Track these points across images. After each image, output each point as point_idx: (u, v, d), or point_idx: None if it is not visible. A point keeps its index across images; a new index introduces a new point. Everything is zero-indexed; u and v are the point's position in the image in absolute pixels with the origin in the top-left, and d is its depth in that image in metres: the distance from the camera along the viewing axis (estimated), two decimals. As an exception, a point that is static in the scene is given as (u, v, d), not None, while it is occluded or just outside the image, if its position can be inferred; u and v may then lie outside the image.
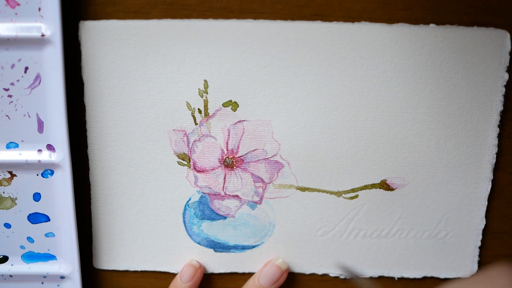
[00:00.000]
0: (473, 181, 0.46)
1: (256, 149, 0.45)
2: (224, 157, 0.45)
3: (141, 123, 0.45)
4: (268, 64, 0.43)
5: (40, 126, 0.44)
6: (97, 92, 0.44)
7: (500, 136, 0.45)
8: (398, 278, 0.49)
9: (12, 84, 0.43)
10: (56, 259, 0.48)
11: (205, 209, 0.47)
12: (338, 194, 0.46)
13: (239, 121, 0.45)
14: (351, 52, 0.43)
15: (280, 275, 0.47)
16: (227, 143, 0.45)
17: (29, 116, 0.44)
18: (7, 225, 0.47)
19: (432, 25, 0.43)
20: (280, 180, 0.46)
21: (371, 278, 0.49)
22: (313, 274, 0.49)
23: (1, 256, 0.48)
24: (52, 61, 0.42)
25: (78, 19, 0.43)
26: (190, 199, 0.47)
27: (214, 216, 0.47)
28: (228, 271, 0.49)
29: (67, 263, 0.47)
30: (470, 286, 0.30)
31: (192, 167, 0.46)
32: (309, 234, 0.47)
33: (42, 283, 0.48)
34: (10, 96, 0.43)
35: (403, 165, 0.46)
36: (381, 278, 0.49)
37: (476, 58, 0.43)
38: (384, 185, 0.46)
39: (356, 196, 0.46)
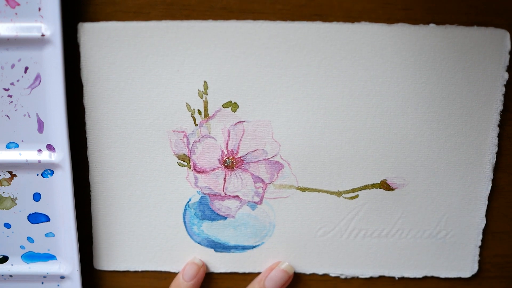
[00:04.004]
0: (473, 180, 0.46)
1: (256, 150, 0.45)
2: (224, 158, 0.45)
3: (141, 124, 0.45)
4: (268, 64, 0.43)
5: (40, 126, 0.44)
6: (97, 94, 0.44)
7: (500, 136, 0.45)
8: (398, 278, 0.49)
9: (12, 84, 0.43)
10: (56, 259, 0.48)
11: (205, 209, 0.47)
12: (338, 194, 0.46)
13: (239, 122, 0.45)
14: (351, 52, 0.43)
15: (287, 279, 0.47)
16: (227, 144, 0.45)
17: (29, 116, 0.44)
18: (7, 225, 0.47)
19: (432, 25, 0.43)
20: (280, 180, 0.46)
21: (371, 278, 0.49)
22: (313, 274, 0.49)
23: (1, 256, 0.48)
24: (52, 61, 0.42)
25: (78, 19, 0.42)
26: (190, 200, 0.47)
27: (215, 216, 0.47)
28: (229, 271, 0.49)
29: (67, 263, 0.47)
30: None
31: (192, 168, 0.46)
32: (309, 234, 0.48)
33: (42, 283, 0.48)
34: (10, 96, 0.43)
35: (403, 165, 0.46)
36: (381, 278, 0.49)
37: (476, 58, 0.43)
38: (384, 185, 0.46)
39: (356, 196, 0.46)
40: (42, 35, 0.41)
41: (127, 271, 0.49)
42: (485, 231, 0.48)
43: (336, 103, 0.44)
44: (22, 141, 0.44)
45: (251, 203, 0.47)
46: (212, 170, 0.46)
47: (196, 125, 0.45)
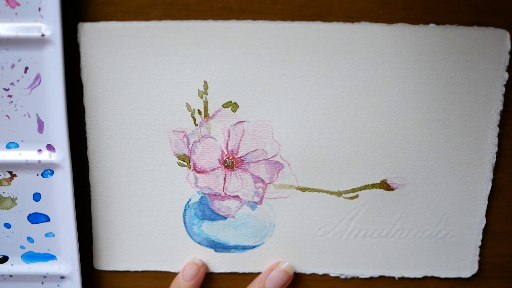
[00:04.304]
0: (473, 180, 0.46)
1: (256, 150, 0.45)
2: (224, 158, 0.45)
3: (141, 124, 0.45)
4: (268, 64, 0.43)
5: (40, 126, 0.44)
6: (97, 94, 0.44)
7: (500, 136, 0.45)
8: (398, 278, 0.49)
9: (12, 84, 0.43)
10: (56, 259, 0.48)
11: (205, 209, 0.47)
12: (338, 194, 0.46)
13: (239, 122, 0.45)
14: (351, 52, 0.43)
15: (287, 280, 0.48)
16: (227, 144, 0.45)
17: (29, 116, 0.44)
18: (7, 225, 0.47)
19: (432, 25, 0.43)
20: (280, 180, 0.46)
21: (371, 278, 0.49)
22: (313, 274, 0.49)
23: (1, 256, 0.48)
24: (52, 61, 0.42)
25: (78, 19, 0.42)
26: (190, 200, 0.47)
27: (215, 216, 0.47)
28: (229, 271, 0.49)
29: (67, 263, 0.47)
30: None
31: (192, 168, 0.46)
32: (309, 234, 0.48)
33: (42, 283, 0.48)
34: (10, 96, 0.43)
35: (403, 165, 0.46)
36: (381, 278, 0.49)
37: (476, 58, 0.43)
38: (384, 185, 0.46)
39: (356, 196, 0.46)
40: (42, 35, 0.41)
41: (127, 271, 0.49)
42: (485, 231, 0.48)
43: (336, 103, 0.44)
44: (22, 141, 0.44)
45: (251, 203, 0.47)
46: (212, 170, 0.46)
47: (196, 125, 0.45)
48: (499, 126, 0.45)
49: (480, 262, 0.49)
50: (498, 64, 0.43)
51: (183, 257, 0.48)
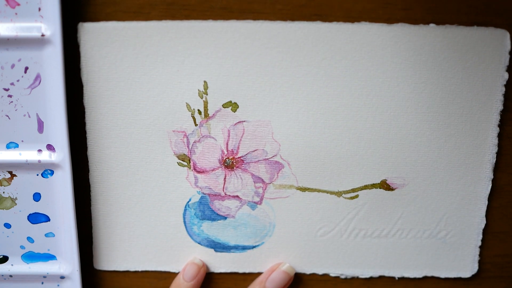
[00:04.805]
0: (473, 180, 0.46)
1: (256, 150, 0.45)
2: (224, 158, 0.45)
3: (141, 124, 0.45)
4: (268, 64, 0.43)
5: (40, 126, 0.44)
6: (97, 94, 0.44)
7: (500, 136, 0.45)
8: (398, 278, 0.49)
9: (12, 84, 0.43)
10: (56, 259, 0.48)
11: (205, 209, 0.47)
12: (338, 194, 0.46)
13: (239, 122, 0.45)
14: (351, 52, 0.43)
15: (288, 281, 0.48)
16: (227, 144, 0.45)
17: (29, 116, 0.44)
18: (7, 225, 0.47)
19: (432, 25, 0.43)
20: (280, 180, 0.46)
21: (371, 278, 0.49)
22: (313, 274, 0.49)
23: (1, 256, 0.48)
24: (52, 61, 0.42)
25: (78, 19, 0.42)
26: (190, 200, 0.47)
27: (215, 216, 0.47)
28: (229, 271, 0.49)
29: (67, 263, 0.47)
30: None
31: (192, 168, 0.46)
32: (309, 234, 0.48)
33: (42, 283, 0.48)
34: (10, 96, 0.43)
35: (403, 165, 0.46)
36: (381, 278, 0.49)
37: (476, 58, 0.43)
38: (384, 185, 0.46)
39: (356, 196, 0.46)
40: (42, 35, 0.41)
41: (127, 271, 0.49)
42: (485, 231, 0.48)
43: (336, 103, 0.44)
44: (22, 141, 0.44)
45: (251, 203, 0.47)
46: (212, 170, 0.46)
47: (196, 125, 0.45)
48: (499, 126, 0.45)
49: (480, 262, 0.49)
50: (498, 64, 0.43)
51: (183, 257, 0.48)
